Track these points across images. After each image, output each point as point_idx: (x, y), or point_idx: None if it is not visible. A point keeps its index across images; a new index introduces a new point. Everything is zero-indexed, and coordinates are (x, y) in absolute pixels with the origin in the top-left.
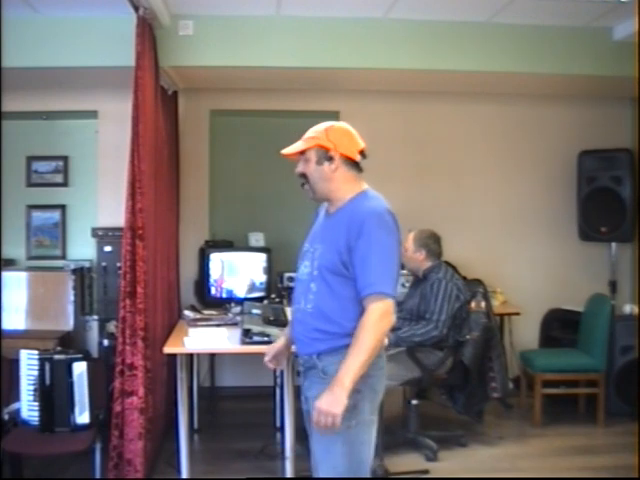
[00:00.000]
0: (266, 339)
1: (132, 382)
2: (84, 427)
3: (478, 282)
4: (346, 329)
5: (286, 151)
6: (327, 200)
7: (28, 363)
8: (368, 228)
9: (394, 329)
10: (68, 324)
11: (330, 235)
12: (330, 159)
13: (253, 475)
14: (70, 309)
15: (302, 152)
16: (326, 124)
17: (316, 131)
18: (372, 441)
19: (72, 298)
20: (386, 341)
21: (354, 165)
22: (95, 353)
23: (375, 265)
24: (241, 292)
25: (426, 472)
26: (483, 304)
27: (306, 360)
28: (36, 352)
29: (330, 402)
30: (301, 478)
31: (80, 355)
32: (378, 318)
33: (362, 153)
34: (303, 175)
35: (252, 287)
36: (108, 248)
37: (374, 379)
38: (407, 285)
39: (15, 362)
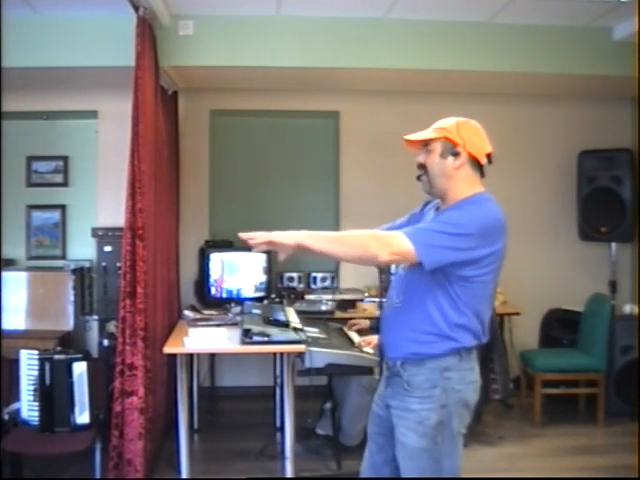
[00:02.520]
0: (266, 339)
1: (132, 382)
2: (84, 427)
3: None
4: (439, 330)
5: (410, 137)
6: (441, 197)
7: (28, 363)
8: (453, 210)
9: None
10: (68, 324)
11: None
12: (456, 155)
13: (253, 475)
14: (70, 309)
15: (426, 143)
16: (457, 118)
17: (446, 123)
18: (458, 453)
19: (72, 298)
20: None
21: (478, 167)
22: (95, 353)
23: (430, 229)
24: (248, 292)
25: None
26: None
27: (391, 366)
28: (36, 352)
29: (275, 235)
30: (301, 478)
31: (80, 355)
32: (378, 237)
33: (489, 157)
34: (422, 166)
35: (254, 287)
36: (108, 248)
37: (462, 394)
38: None
39: (15, 362)
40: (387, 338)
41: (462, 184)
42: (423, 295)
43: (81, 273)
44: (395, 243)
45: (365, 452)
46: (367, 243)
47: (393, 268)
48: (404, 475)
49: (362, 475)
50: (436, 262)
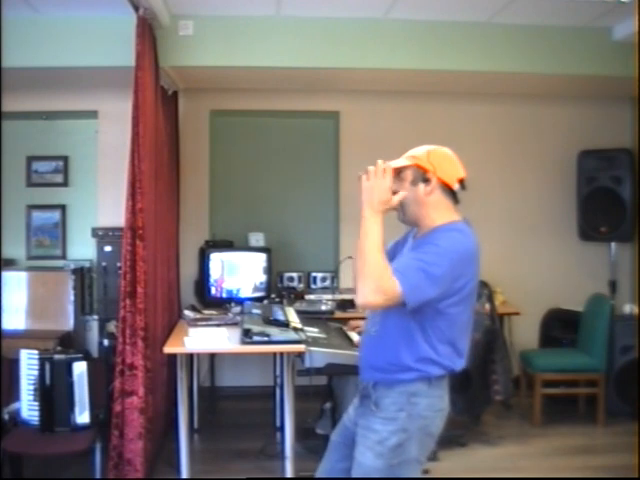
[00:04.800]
0: (266, 339)
1: (132, 382)
2: (84, 427)
3: (483, 284)
4: (403, 362)
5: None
6: (415, 225)
7: (28, 363)
8: (428, 244)
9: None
10: (68, 324)
11: None
12: (426, 181)
13: (253, 475)
14: (70, 309)
15: (398, 171)
16: (428, 147)
17: (417, 152)
18: None
19: (72, 298)
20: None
21: (450, 193)
22: (95, 353)
23: (414, 268)
24: (247, 292)
25: (426, 472)
26: (488, 306)
27: (364, 387)
28: (36, 352)
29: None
30: (301, 478)
31: (80, 355)
32: (378, 281)
33: (462, 183)
34: (395, 194)
35: (254, 287)
36: (108, 248)
37: (428, 421)
38: None
39: (15, 362)
40: (362, 360)
41: (434, 211)
42: (397, 327)
43: (81, 273)
44: (390, 289)
45: (324, 459)
46: (366, 285)
47: None
48: None
49: None
50: (419, 302)
